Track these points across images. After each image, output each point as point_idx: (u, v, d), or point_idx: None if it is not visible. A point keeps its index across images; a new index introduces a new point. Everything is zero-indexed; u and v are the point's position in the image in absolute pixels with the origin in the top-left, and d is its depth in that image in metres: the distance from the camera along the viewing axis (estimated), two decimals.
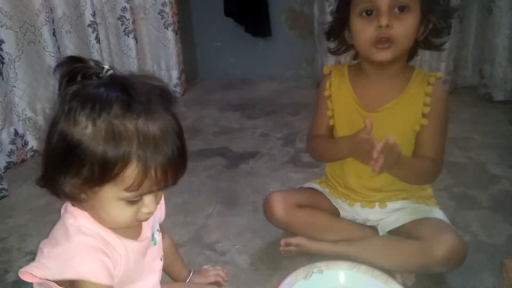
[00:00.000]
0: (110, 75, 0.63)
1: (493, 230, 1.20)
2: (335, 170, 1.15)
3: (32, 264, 0.65)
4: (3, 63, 1.63)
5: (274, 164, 1.62)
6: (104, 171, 0.59)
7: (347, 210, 1.15)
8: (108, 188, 0.61)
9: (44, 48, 1.73)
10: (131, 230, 0.70)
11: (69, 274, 0.63)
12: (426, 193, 1.12)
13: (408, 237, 1.02)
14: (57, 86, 0.64)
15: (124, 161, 0.59)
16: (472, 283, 1.02)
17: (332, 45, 1.07)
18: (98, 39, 1.91)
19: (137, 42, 2.11)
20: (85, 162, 0.59)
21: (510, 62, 1.99)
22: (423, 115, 1.00)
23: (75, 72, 0.63)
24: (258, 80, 2.45)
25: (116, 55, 2.10)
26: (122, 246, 0.67)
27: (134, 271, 0.71)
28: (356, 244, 1.08)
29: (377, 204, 1.10)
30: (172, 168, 0.62)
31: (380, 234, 1.10)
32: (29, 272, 0.64)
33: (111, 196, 0.62)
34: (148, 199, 0.64)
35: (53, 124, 0.62)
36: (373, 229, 1.12)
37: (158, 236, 0.78)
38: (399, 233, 1.06)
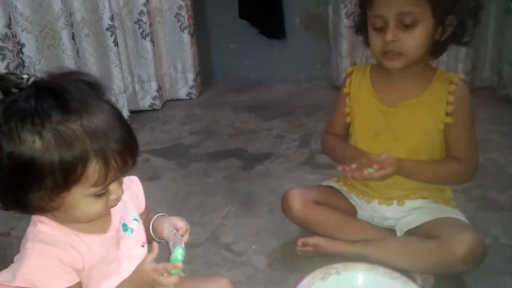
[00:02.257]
0: (33, 83, 0.63)
1: None
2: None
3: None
4: (23, 66, 1.66)
5: (289, 165, 1.62)
6: (67, 176, 0.61)
7: (364, 208, 1.14)
8: (75, 190, 0.63)
9: (63, 51, 1.77)
10: (100, 224, 0.71)
11: (19, 281, 0.64)
12: (445, 194, 1.11)
13: (427, 237, 1.01)
14: None
15: (83, 161, 0.60)
16: (492, 285, 1.00)
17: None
18: (116, 43, 1.94)
19: (154, 45, 2.13)
20: (45, 174, 0.60)
21: None
22: (447, 114, 1.00)
23: None
24: (272, 82, 2.45)
25: (133, 58, 2.13)
26: (82, 243, 0.69)
27: (108, 263, 0.72)
28: (374, 244, 1.07)
29: (395, 201, 1.09)
30: (128, 150, 0.65)
31: (398, 234, 1.09)
32: None
33: (80, 196, 0.64)
34: (113, 186, 0.67)
35: None
36: (391, 230, 1.11)
37: (135, 225, 0.78)
38: (418, 233, 1.05)
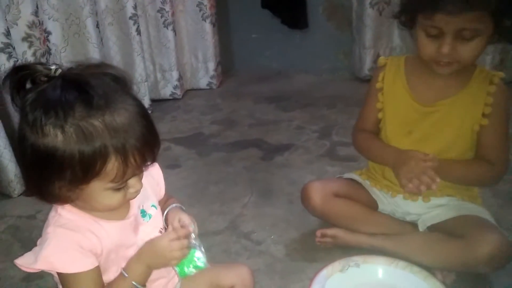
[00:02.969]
0: (60, 74, 0.64)
1: None
2: (378, 167, 1.14)
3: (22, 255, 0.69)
4: (50, 53, 1.69)
5: (309, 157, 1.62)
6: (86, 171, 0.62)
7: (386, 203, 1.13)
8: (94, 184, 0.64)
9: (88, 39, 1.79)
10: (118, 210, 0.73)
11: (40, 264, 0.67)
12: (472, 192, 1.09)
13: (450, 234, 1.00)
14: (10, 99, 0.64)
15: (103, 158, 0.61)
16: None
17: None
18: (138, 31, 1.95)
19: (175, 34, 2.14)
20: (65, 168, 0.61)
21: None
22: (484, 115, 0.97)
23: (23, 80, 0.63)
24: (294, 73, 2.44)
25: (155, 47, 2.14)
26: (101, 228, 0.70)
27: (126, 248, 0.73)
28: (395, 238, 1.06)
29: (420, 198, 1.07)
30: (148, 148, 0.65)
31: (420, 229, 1.08)
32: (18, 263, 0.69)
33: (99, 189, 0.65)
34: (132, 181, 0.67)
35: (21, 138, 0.63)
36: (413, 225, 1.10)
37: (153, 211, 0.79)
38: (440, 229, 1.03)
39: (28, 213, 1.35)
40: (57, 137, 0.61)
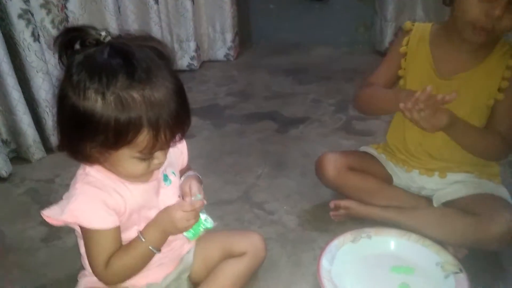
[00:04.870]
0: (109, 41, 0.65)
1: None
2: (396, 135, 1.12)
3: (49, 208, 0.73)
4: (67, 21, 1.70)
5: (324, 130, 1.60)
6: (118, 139, 0.64)
7: (402, 177, 1.12)
8: (122, 151, 0.67)
9: (105, 7, 1.78)
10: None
11: (66, 216, 0.71)
12: (492, 170, 1.06)
13: (465, 211, 0.99)
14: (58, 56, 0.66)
15: (136, 129, 0.64)
16: None
17: None
18: (156, 0, 1.94)
19: (193, 4, 2.11)
20: (99, 132, 0.64)
21: None
22: (500, 90, 0.95)
23: (73, 41, 0.66)
24: (312, 45, 2.39)
25: (173, 17, 2.12)
26: (126, 189, 0.73)
27: (148, 209, 0.77)
28: (408, 212, 1.06)
29: (436, 173, 1.06)
30: (179, 126, 0.68)
31: (435, 205, 1.07)
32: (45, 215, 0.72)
33: (126, 156, 0.68)
34: (159, 153, 0.70)
35: (62, 96, 0.66)
36: (427, 199, 1.09)
37: (173, 178, 0.82)
38: (456, 206, 1.02)
39: (47, 177, 1.39)
40: (97, 102, 0.63)
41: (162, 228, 0.75)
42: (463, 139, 0.96)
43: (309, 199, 1.24)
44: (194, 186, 0.81)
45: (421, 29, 1.03)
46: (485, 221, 0.93)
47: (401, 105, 0.88)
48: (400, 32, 1.08)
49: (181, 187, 0.82)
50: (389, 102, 0.97)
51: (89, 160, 0.70)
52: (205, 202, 0.77)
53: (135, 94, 0.63)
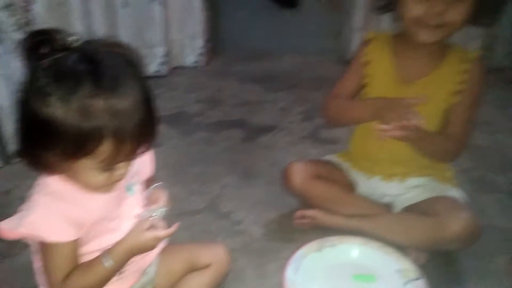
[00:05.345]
0: (78, 47, 0.64)
1: (509, 215, 1.18)
2: (358, 141, 1.15)
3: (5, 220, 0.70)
4: (32, 24, 1.64)
5: (292, 139, 1.62)
6: (79, 148, 0.62)
7: (364, 185, 1.15)
8: (84, 160, 0.64)
9: (71, 11, 1.74)
10: None
11: (24, 229, 0.68)
12: (447, 174, 1.11)
13: (424, 214, 1.02)
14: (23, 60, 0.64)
15: (97, 138, 0.61)
16: (485, 265, 1.02)
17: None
18: (124, 4, 1.91)
19: (163, 8, 2.10)
20: (60, 140, 0.62)
21: None
22: (456, 93, 0.99)
23: (39, 44, 0.63)
24: (281, 53, 2.41)
25: (142, 21, 2.09)
26: (88, 200, 0.71)
27: (110, 220, 0.75)
28: (371, 219, 1.09)
29: (397, 178, 1.10)
30: (144, 137, 0.66)
31: (396, 210, 1.10)
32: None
33: (88, 166, 0.65)
34: (121, 164, 0.68)
35: (23, 101, 0.63)
36: (389, 207, 1.13)
37: (137, 188, 0.80)
38: (415, 210, 1.06)
39: (4, 188, 1.34)
40: (59, 109, 0.61)
41: (130, 247, 0.73)
42: (422, 143, 0.99)
43: (276, 208, 1.25)
44: (162, 198, 0.80)
45: (382, 38, 1.07)
46: (442, 222, 0.97)
47: (377, 127, 0.91)
48: (363, 42, 1.11)
49: (149, 198, 0.81)
50: (360, 114, 1.00)
51: (49, 169, 0.68)
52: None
53: (100, 103, 0.61)
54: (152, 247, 0.74)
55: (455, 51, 1.00)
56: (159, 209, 0.77)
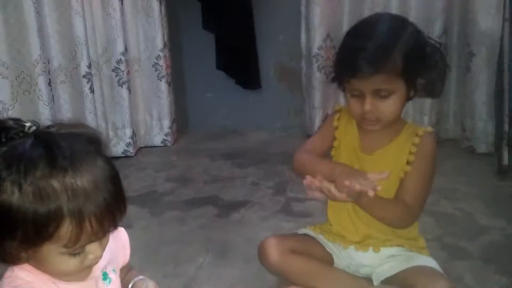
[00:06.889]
0: (34, 131, 0.63)
1: (486, 281, 1.20)
2: (332, 209, 1.17)
3: None
4: None
5: (265, 213, 1.62)
6: (38, 233, 0.59)
7: (341, 256, 1.15)
8: (47, 246, 0.61)
9: (38, 97, 1.76)
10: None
11: None
12: (419, 243, 1.13)
13: (402, 286, 1.02)
14: None
15: (56, 221, 0.59)
16: None
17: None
18: (92, 89, 1.95)
19: (130, 93, 2.15)
20: (18, 226, 0.59)
21: (490, 116, 2.07)
22: (408, 163, 1.05)
23: None
24: (248, 130, 2.49)
25: (108, 105, 2.13)
26: None
27: None
28: None
29: (371, 248, 1.10)
30: (108, 215, 0.63)
31: (375, 283, 1.09)
32: None
33: (53, 253, 0.62)
34: (91, 247, 0.64)
35: None
36: (368, 280, 1.12)
37: (114, 276, 0.76)
38: (394, 282, 1.05)
39: None
40: (13, 194, 0.58)
41: None
42: (374, 210, 1.03)
43: (254, 287, 1.20)
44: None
45: (348, 112, 1.15)
46: None
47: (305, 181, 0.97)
48: (332, 111, 1.20)
49: None
50: (323, 172, 1.03)
51: (13, 260, 0.63)
52: None
53: (55, 183, 0.59)
54: None
55: (408, 126, 1.10)
56: None
